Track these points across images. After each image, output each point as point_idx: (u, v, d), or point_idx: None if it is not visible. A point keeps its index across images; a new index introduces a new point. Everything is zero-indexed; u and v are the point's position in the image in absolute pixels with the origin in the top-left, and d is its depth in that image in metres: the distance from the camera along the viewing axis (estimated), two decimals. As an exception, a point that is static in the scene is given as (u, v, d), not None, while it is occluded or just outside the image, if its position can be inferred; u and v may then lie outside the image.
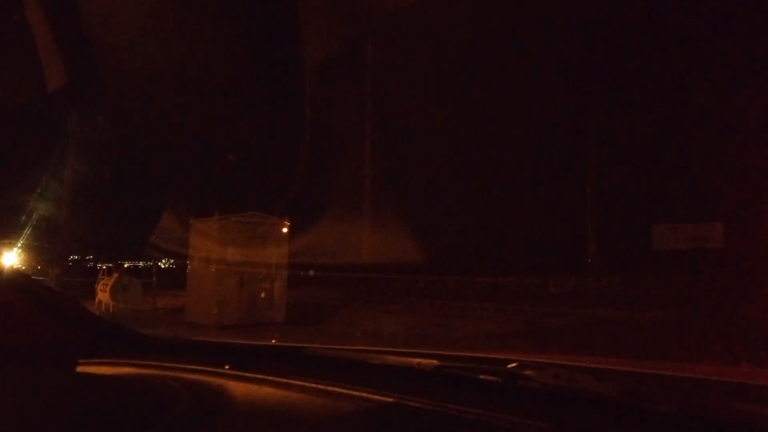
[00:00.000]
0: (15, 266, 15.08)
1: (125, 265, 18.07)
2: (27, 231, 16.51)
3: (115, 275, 15.51)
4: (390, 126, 25.95)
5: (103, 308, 14.81)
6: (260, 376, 1.59)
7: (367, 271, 20.87)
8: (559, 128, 21.10)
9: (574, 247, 20.67)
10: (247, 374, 1.62)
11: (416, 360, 1.59)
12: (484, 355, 1.70)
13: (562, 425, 1.23)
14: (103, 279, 16.05)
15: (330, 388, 1.47)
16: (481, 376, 1.44)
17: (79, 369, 1.80)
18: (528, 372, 1.41)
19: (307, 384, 1.51)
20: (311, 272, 19.96)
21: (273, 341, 2.16)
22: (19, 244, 16.64)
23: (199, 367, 1.71)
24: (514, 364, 1.49)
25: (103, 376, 1.76)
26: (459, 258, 21.44)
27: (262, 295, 12.33)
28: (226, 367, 1.70)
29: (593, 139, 20.07)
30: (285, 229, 13.20)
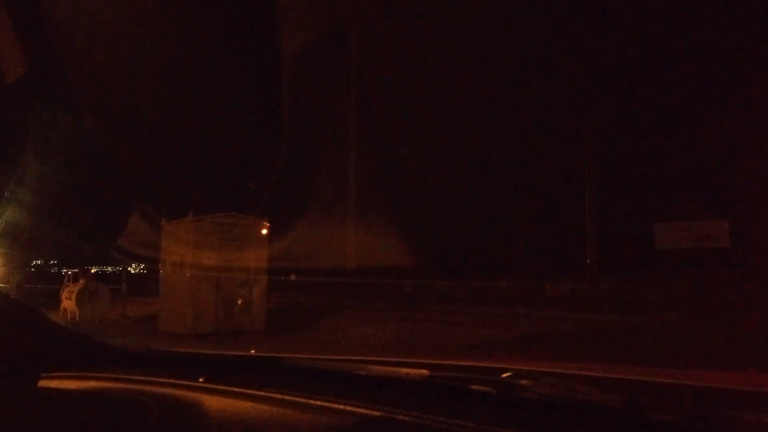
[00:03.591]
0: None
1: (92, 271, 17.89)
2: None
3: (82, 281, 15.36)
4: (376, 122, 25.95)
5: (69, 317, 14.68)
6: (237, 389, 1.58)
7: (352, 276, 20.86)
8: (555, 123, 21.18)
9: (572, 247, 20.77)
10: (223, 387, 1.61)
11: (405, 370, 1.58)
12: (476, 364, 1.71)
13: None
14: (68, 285, 15.90)
15: (312, 402, 1.46)
16: (474, 387, 1.43)
17: (42, 383, 1.79)
18: (523, 382, 1.41)
19: (287, 397, 1.50)
20: (293, 277, 19.94)
21: (251, 351, 2.15)
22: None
23: (172, 380, 1.70)
24: (508, 374, 1.49)
25: (67, 391, 1.74)
26: (450, 261, 21.46)
27: (240, 301, 12.28)
28: (201, 379, 1.68)
29: (591, 134, 20.18)
30: (264, 231, 13.15)
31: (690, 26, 18.61)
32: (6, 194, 17.58)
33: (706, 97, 17.78)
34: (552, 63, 20.91)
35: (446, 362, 1.80)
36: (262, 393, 1.54)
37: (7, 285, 17.53)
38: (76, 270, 17.05)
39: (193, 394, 1.59)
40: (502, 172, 22.45)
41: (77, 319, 14.54)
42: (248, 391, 1.56)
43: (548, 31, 20.79)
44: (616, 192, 20.51)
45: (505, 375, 1.49)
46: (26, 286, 20.07)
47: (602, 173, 20.83)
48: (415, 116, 23.86)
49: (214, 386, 1.63)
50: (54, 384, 1.80)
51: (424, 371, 1.56)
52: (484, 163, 22.67)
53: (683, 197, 18.83)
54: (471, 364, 1.74)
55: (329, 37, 25.48)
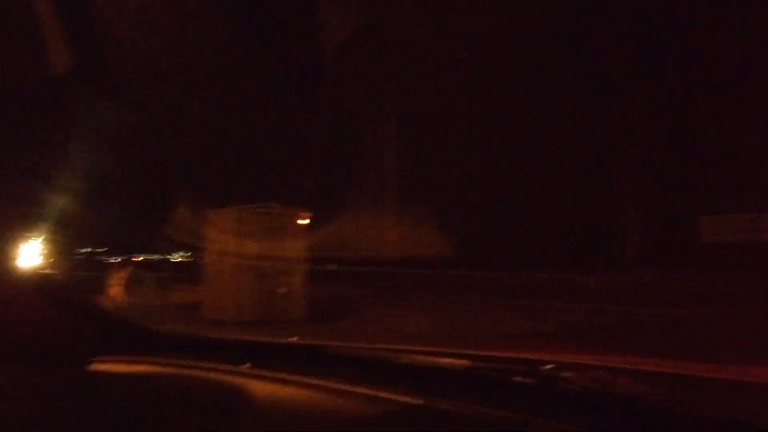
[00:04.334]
0: (26, 261, 15.36)
1: (138, 259, 18.31)
2: (39, 224, 16.77)
3: (128, 269, 15.74)
4: (415, 114, 25.86)
5: (115, 304, 15.04)
6: (281, 376, 1.60)
7: (392, 266, 20.88)
8: (594, 110, 20.76)
9: (613, 239, 20.43)
10: (267, 373, 1.63)
11: (446, 360, 1.58)
12: (517, 355, 1.70)
13: (599, 429, 1.22)
14: (115, 273, 16.29)
15: (354, 389, 1.47)
16: (515, 378, 1.43)
17: (91, 367, 1.84)
18: (565, 374, 1.40)
19: (330, 384, 1.51)
20: (333, 266, 20.04)
21: (294, 338, 2.18)
22: (31, 238, 16.91)
23: (217, 366, 1.73)
24: (549, 366, 1.48)
25: (115, 374, 1.78)
26: (488, 252, 21.32)
27: (282, 290, 12.42)
28: (246, 365, 1.71)
29: (632, 122, 19.75)
30: (305, 221, 13.27)
31: (740, 7, 18.01)
32: (58, 183, 18.05)
33: (755, 84, 17.21)
34: (592, 44, 20.45)
35: (486, 353, 1.79)
36: (306, 380, 1.55)
37: (57, 272, 18.01)
38: (123, 258, 17.48)
39: (238, 380, 1.62)
40: (540, 162, 22.10)
41: (124, 305, 14.90)
42: (292, 378, 1.57)
43: (590, 14, 20.36)
44: (659, 183, 20.00)
45: (546, 367, 1.48)
46: (75, 273, 20.62)
47: (644, 164, 20.34)
48: (454, 111, 23.70)
49: (258, 372, 1.65)
50: (102, 368, 1.85)
51: (465, 361, 1.56)
52: (523, 152, 22.35)
53: (730, 188, 18.28)
54: (511, 355, 1.73)
55: (370, 26, 25.52)
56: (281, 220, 12.79)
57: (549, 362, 1.51)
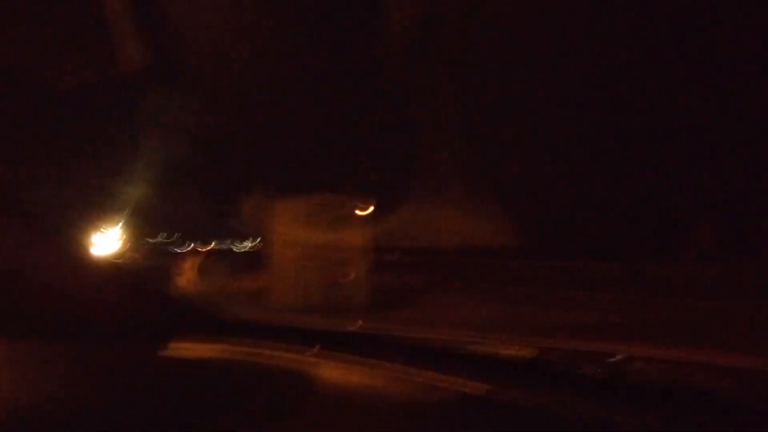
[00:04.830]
0: (101, 250, 15.99)
1: (207, 248, 18.78)
2: (112, 214, 17.37)
3: (197, 257, 16.15)
4: (477, 97, 25.58)
5: (186, 290, 15.47)
6: (347, 361, 1.62)
7: (455, 255, 20.73)
8: (670, 85, 19.99)
9: (686, 228, 19.70)
10: (333, 359, 1.66)
11: (511, 350, 1.57)
12: (584, 347, 1.67)
13: (672, 426, 1.19)
14: (185, 261, 16.75)
15: (419, 376, 1.48)
16: (583, 369, 1.41)
17: (166, 349, 1.90)
18: (633, 366, 1.37)
19: (395, 371, 1.53)
20: (396, 256, 20.05)
21: (359, 324, 2.20)
22: (105, 228, 17.51)
23: (286, 350, 1.76)
24: (617, 357, 1.46)
25: (188, 358, 1.84)
26: (555, 241, 20.91)
27: (347, 278, 12.57)
28: (314, 350, 1.73)
29: (710, 93, 18.94)
30: (368, 211, 13.34)
31: None
32: (131, 175, 18.61)
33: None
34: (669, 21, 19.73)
35: (552, 344, 1.77)
36: (370, 367, 1.57)
37: (130, 259, 18.62)
38: (192, 247, 17.94)
39: (306, 365, 1.65)
40: (611, 145, 21.50)
41: (194, 292, 15.33)
42: (357, 364, 1.59)
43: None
44: (733, 168, 19.16)
45: (613, 359, 1.45)
46: (144, 262, 21.24)
47: (718, 143, 19.53)
48: (517, 91, 23.30)
49: (325, 357, 1.68)
50: (176, 350, 1.90)
51: (531, 351, 1.54)
52: (589, 138, 21.80)
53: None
54: (579, 346, 1.71)
55: (433, 15, 25.37)
56: (346, 211, 12.87)
57: (618, 354, 1.48)
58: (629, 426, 1.19)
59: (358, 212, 13.19)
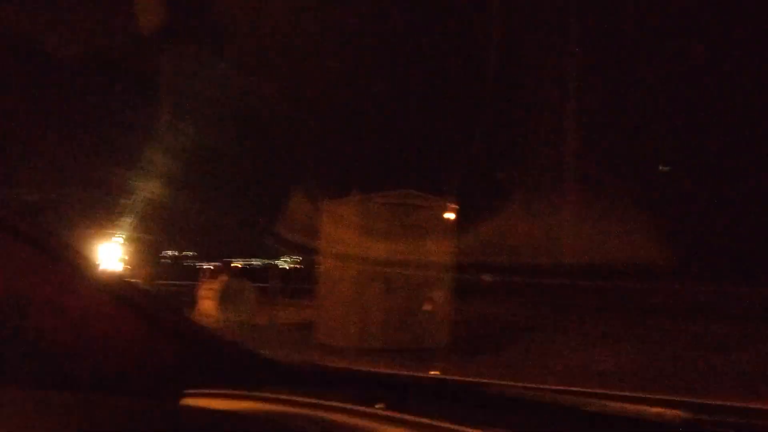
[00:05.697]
0: (106, 264, 16.46)
1: (236, 265, 19.15)
2: (121, 218, 17.77)
3: (223, 277, 16.42)
4: (599, 81, 25.33)
5: (207, 321, 15.73)
6: (422, 421, 1.62)
7: (569, 276, 20.44)
8: None
9: None
10: (406, 417, 1.65)
11: (653, 410, 1.55)
12: (752, 406, 1.62)
13: None
14: (206, 282, 17.05)
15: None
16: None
17: (186, 401, 1.95)
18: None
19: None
20: (488, 277, 19.89)
21: (437, 373, 2.20)
22: (112, 235, 17.95)
23: (341, 405, 1.77)
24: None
25: (215, 412, 1.86)
26: (702, 260, 20.39)
27: (420, 307, 12.53)
28: (379, 405, 1.73)
29: None
30: (452, 215, 13.28)
31: None
32: (145, 169, 18.93)
33: None
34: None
35: (714, 402, 1.73)
36: (457, 428, 1.56)
37: (141, 279, 19.05)
38: (217, 263, 18.26)
39: (368, 423, 1.65)
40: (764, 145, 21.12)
41: (217, 323, 15.54)
42: (437, 425, 1.59)
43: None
44: None
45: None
46: (158, 281, 21.74)
47: None
48: (647, 82, 23.13)
49: (393, 415, 1.67)
50: (198, 402, 1.96)
51: (680, 413, 1.51)
52: (739, 137, 21.38)
53: None
54: (745, 405, 1.66)
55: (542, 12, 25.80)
56: (418, 214, 12.84)
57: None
58: None
59: (438, 216, 13.16)
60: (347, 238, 12.93)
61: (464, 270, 14.94)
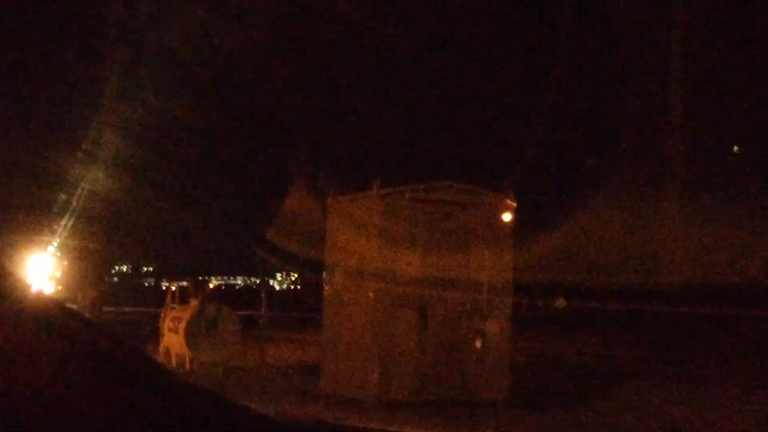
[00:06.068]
0: (35, 284, 16.45)
1: (212, 285, 19.15)
2: (57, 222, 17.70)
3: (195, 302, 16.38)
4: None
5: (174, 362, 15.70)
6: None
7: (672, 302, 20.30)
8: None
9: None
10: None
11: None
12: None
13: None
14: (173, 309, 17.02)
15: None
16: None
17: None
18: None
19: None
20: (560, 302, 19.76)
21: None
22: (43, 245, 17.91)
23: None
24: None
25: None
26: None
27: (466, 344, 12.44)
28: None
29: None
30: (509, 216, 13.14)
31: None
32: (89, 154, 18.74)
33: None
34: None
35: None
36: None
37: (76, 305, 19.01)
38: (187, 283, 18.23)
39: None
40: None
41: (187, 365, 15.52)
42: None
43: None
44: None
45: None
46: (105, 308, 21.69)
47: None
48: None
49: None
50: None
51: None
52: None
53: None
54: None
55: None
56: (467, 214, 12.64)
57: None
58: None
59: (491, 216, 13.03)
60: (364, 248, 12.80)
61: (527, 292, 14.89)
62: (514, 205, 13.14)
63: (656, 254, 22.94)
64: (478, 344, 12.30)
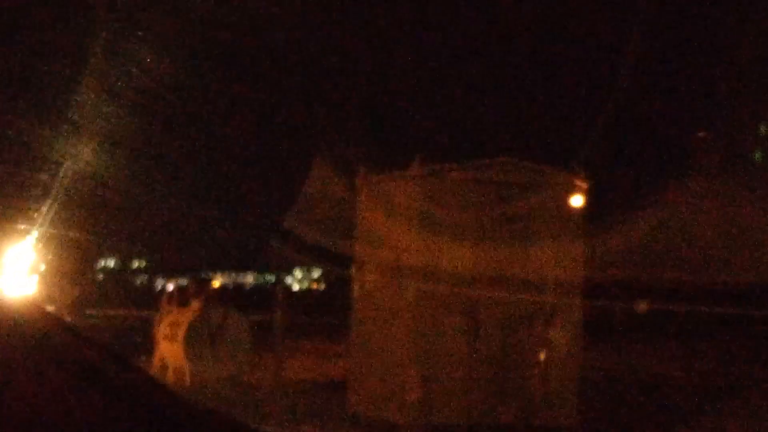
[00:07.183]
0: (10, 286, 16.64)
1: (216, 284, 19.26)
2: (36, 209, 17.85)
3: (196, 305, 16.49)
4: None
5: (172, 376, 15.83)
6: None
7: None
8: None
9: None
10: None
11: None
12: None
13: None
14: (170, 312, 17.14)
15: None
16: None
17: None
18: None
19: None
20: (642, 305, 19.72)
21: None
22: (22, 236, 18.06)
23: None
24: None
25: None
26: None
27: (526, 358, 12.46)
28: None
29: None
30: (578, 199, 13.11)
31: None
32: (75, 130, 18.78)
33: None
34: None
35: None
36: None
37: (54, 306, 19.17)
38: (186, 281, 18.34)
39: None
40: None
41: (187, 380, 15.63)
42: None
43: None
44: None
45: None
46: (89, 310, 21.92)
47: None
48: None
49: None
50: None
51: None
52: None
53: None
54: None
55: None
56: (529, 197, 12.59)
57: None
58: None
59: (559, 200, 12.99)
60: (402, 239, 12.80)
61: (601, 293, 14.89)
62: (586, 186, 13.10)
63: (764, 249, 22.86)
64: (541, 357, 12.31)
